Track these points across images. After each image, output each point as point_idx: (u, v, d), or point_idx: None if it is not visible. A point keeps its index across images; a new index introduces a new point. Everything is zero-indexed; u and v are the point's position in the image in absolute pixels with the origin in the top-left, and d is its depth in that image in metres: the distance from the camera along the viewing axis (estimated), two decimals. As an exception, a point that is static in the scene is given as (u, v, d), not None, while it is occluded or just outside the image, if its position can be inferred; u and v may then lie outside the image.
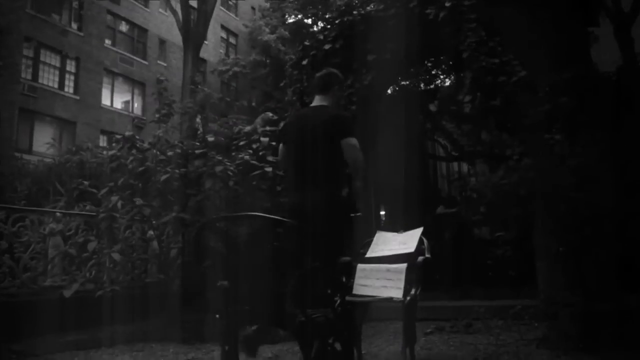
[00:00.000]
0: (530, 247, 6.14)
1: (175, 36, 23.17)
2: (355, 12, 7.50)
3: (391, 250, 3.30)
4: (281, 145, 3.58)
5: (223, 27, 29.14)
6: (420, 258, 3.20)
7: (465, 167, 12.27)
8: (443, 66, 9.94)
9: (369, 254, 3.41)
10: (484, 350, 4.23)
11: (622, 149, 5.19)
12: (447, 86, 10.97)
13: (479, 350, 4.25)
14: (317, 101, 3.53)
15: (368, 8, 7.50)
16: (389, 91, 9.15)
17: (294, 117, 4.04)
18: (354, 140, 3.27)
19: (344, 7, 7.67)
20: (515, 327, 5.10)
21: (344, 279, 2.87)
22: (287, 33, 21.33)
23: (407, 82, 9.91)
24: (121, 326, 5.37)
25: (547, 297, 5.08)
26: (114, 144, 6.50)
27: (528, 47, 5.94)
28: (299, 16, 19.07)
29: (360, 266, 3.27)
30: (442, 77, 10.91)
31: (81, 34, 22.53)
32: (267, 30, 23.35)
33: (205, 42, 22.22)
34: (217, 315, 2.44)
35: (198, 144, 6.42)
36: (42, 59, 21.02)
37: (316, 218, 2.88)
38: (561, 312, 4.36)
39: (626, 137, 5.32)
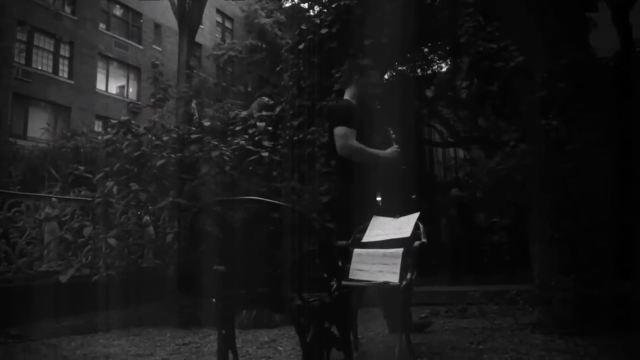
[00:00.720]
0: (526, 232, 6.17)
1: (170, 20, 22.96)
2: (352, -4, 7.44)
3: (387, 235, 3.30)
4: None
5: (219, 11, 28.88)
6: (417, 243, 3.20)
7: (461, 152, 12.31)
8: (440, 51, 9.91)
9: (364, 239, 3.41)
10: (479, 335, 4.26)
11: (619, 135, 5.19)
12: (444, 71, 10.95)
13: (474, 335, 4.28)
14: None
15: (365, -8, 7.43)
16: (385, 76, 9.11)
17: None
18: (338, 130, 3.47)
19: (340, -9, 7.59)
20: (510, 311, 5.14)
21: (340, 263, 2.87)
22: (283, 17, 21.16)
23: (404, 67, 9.89)
24: (117, 311, 5.38)
25: (541, 282, 5.11)
26: (109, 129, 6.46)
27: (526, 33, 5.90)
28: (295, 0, 18.91)
29: (356, 251, 3.28)
30: (439, 62, 10.88)
31: (75, 17, 22.30)
32: (264, 14, 23.15)
33: (201, 26, 22.07)
34: (214, 300, 2.44)
35: (194, 128, 6.39)
36: (35, 43, 20.81)
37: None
38: (555, 296, 4.39)
39: (623, 123, 5.32)
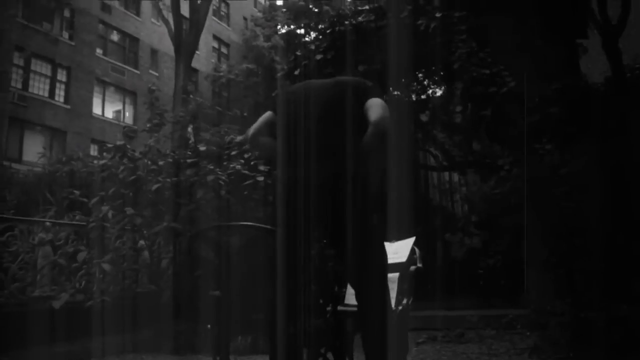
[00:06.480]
0: (521, 256, 6.17)
1: (167, 46, 23.16)
2: (346, 23, 7.56)
3: (383, 260, 3.30)
4: None
5: (215, 37, 29.18)
6: (412, 267, 3.20)
7: (456, 177, 12.34)
8: (434, 77, 10.01)
9: (361, 264, 3.40)
10: (476, 360, 4.24)
11: (610, 158, 5.24)
12: (438, 96, 11.04)
13: (471, 360, 4.25)
14: None
15: (359, 19, 7.57)
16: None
17: None
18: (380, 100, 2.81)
19: (335, 18, 7.73)
20: (507, 336, 5.12)
21: (336, 289, 2.87)
22: (281, 41, 21.34)
23: (399, 93, 9.97)
24: (112, 337, 5.31)
25: (537, 306, 5.10)
26: (104, 154, 6.47)
27: (518, 58, 6.01)
28: (292, 26, 19.11)
29: (352, 276, 3.27)
30: (433, 87, 10.99)
31: (72, 43, 22.46)
32: (262, 38, 23.39)
33: (197, 52, 22.24)
34: (209, 326, 2.42)
35: (190, 153, 6.41)
36: (32, 67, 20.92)
37: None
38: (551, 321, 4.38)
39: (614, 147, 5.38)
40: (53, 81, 21.70)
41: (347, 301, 3.15)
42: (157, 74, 25.74)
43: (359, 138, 2.47)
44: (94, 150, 21.20)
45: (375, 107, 2.52)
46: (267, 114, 2.80)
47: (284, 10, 21.55)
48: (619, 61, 7.39)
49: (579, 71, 6.27)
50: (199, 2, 20.13)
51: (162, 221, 5.78)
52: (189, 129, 16.00)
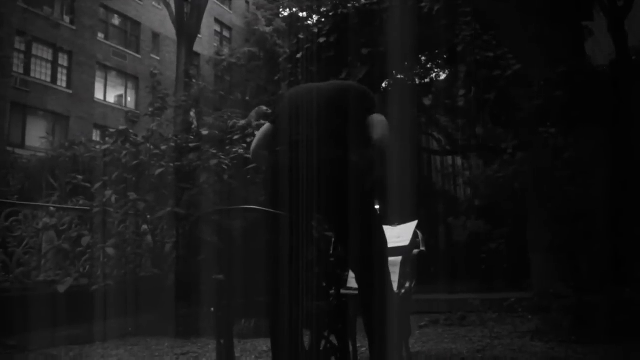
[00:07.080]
0: (524, 240, 6.17)
1: (168, 30, 23.03)
2: (349, 5, 7.48)
3: (386, 244, 3.31)
4: None
5: (217, 20, 28.97)
6: (415, 251, 3.21)
7: (459, 160, 12.32)
8: (438, 60, 9.95)
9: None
10: (478, 343, 4.25)
11: (615, 143, 5.21)
12: (442, 80, 10.99)
13: (473, 343, 4.27)
14: None
15: (362, 1, 7.49)
16: (383, 85, 9.15)
17: None
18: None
19: (338, 1, 7.65)
20: (509, 319, 5.13)
21: (339, 272, 2.87)
22: (283, 25, 21.17)
23: (402, 76, 9.92)
24: (115, 321, 5.36)
25: (540, 290, 5.11)
26: (107, 138, 6.46)
27: (522, 41, 5.94)
28: (294, 9, 18.95)
29: (355, 259, 3.27)
30: (436, 70, 10.92)
31: (74, 27, 22.34)
32: (264, 21, 23.21)
33: (199, 35, 22.11)
34: (212, 309, 2.43)
35: (192, 137, 6.40)
36: (34, 52, 20.83)
37: None
38: (554, 304, 4.39)
39: (620, 131, 5.34)
40: (55, 66, 21.62)
41: (349, 284, 3.17)
42: (159, 58, 25.63)
43: (361, 150, 2.54)
44: (96, 135, 21.20)
45: (378, 124, 2.59)
46: (266, 126, 2.83)
47: (286, -7, 21.35)
48: (625, 44, 7.30)
49: (585, 54, 6.20)
50: (200, -15, 19.97)
51: (165, 206, 5.79)
52: (192, 113, 16.00)
